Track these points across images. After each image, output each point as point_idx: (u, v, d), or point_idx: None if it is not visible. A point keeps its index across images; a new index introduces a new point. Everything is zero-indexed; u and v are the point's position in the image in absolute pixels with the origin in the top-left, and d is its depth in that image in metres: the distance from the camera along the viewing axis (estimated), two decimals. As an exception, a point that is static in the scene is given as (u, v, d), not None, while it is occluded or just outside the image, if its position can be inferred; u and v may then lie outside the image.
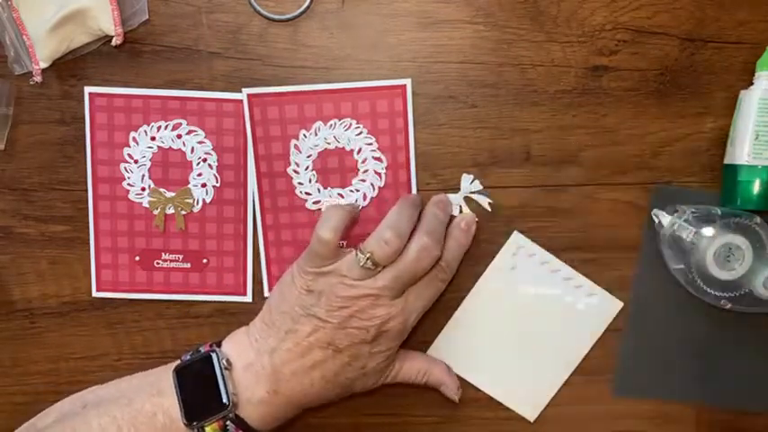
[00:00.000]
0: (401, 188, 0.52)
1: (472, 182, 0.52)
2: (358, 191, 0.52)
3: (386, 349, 0.47)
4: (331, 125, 0.51)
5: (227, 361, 0.46)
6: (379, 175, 0.52)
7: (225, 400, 0.45)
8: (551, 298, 0.54)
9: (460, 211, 0.52)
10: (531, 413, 0.55)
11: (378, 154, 0.52)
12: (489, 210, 0.52)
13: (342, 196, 0.52)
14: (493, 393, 0.55)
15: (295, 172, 0.52)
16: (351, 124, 0.51)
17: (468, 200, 0.52)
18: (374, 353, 0.47)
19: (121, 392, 0.48)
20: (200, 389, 0.45)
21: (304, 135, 0.51)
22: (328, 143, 0.51)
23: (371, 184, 0.52)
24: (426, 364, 0.52)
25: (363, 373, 0.48)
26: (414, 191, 0.52)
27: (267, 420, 0.47)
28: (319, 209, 0.52)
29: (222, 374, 0.45)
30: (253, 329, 0.48)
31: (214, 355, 0.46)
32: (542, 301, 0.54)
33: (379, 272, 0.46)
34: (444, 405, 0.55)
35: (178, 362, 0.48)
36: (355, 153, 0.52)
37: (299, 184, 0.52)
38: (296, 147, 0.51)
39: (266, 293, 0.54)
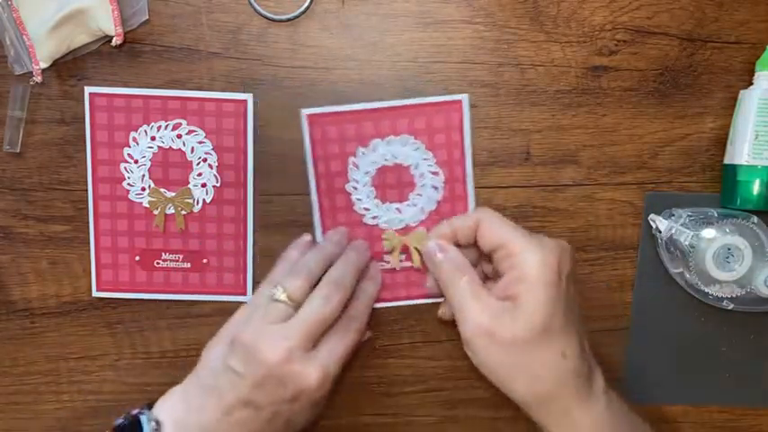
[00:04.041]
0: (458, 201, 0.52)
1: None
2: (416, 205, 0.52)
3: (309, 405, 0.46)
4: (388, 141, 0.51)
5: (157, 422, 0.45)
6: (437, 189, 0.52)
7: None
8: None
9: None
10: None
11: (435, 168, 0.52)
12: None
13: (399, 211, 0.52)
14: None
15: (354, 188, 0.52)
16: (408, 140, 0.51)
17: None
18: (296, 410, 0.46)
19: None
20: None
21: (362, 152, 0.51)
22: (386, 159, 0.52)
23: (429, 198, 0.52)
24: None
25: (292, 423, 0.47)
26: (471, 205, 0.52)
27: None
28: (376, 224, 0.53)
29: None
30: (186, 385, 0.48)
31: (143, 417, 0.45)
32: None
33: (293, 314, 0.45)
34: (444, 405, 0.55)
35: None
36: (413, 168, 0.52)
37: (358, 200, 0.52)
38: (354, 164, 0.52)
39: None
